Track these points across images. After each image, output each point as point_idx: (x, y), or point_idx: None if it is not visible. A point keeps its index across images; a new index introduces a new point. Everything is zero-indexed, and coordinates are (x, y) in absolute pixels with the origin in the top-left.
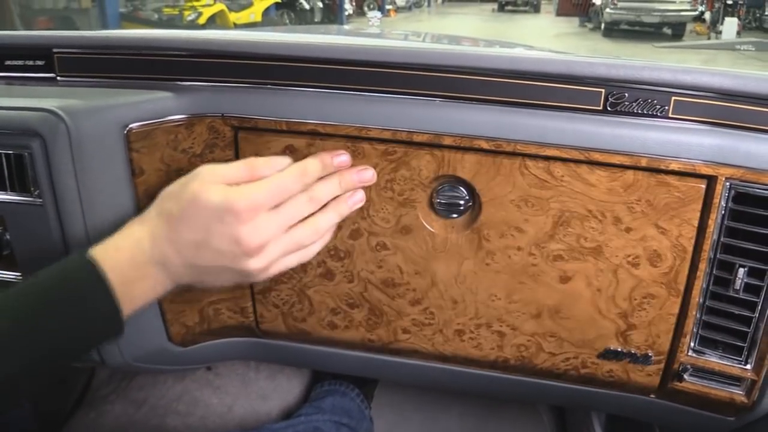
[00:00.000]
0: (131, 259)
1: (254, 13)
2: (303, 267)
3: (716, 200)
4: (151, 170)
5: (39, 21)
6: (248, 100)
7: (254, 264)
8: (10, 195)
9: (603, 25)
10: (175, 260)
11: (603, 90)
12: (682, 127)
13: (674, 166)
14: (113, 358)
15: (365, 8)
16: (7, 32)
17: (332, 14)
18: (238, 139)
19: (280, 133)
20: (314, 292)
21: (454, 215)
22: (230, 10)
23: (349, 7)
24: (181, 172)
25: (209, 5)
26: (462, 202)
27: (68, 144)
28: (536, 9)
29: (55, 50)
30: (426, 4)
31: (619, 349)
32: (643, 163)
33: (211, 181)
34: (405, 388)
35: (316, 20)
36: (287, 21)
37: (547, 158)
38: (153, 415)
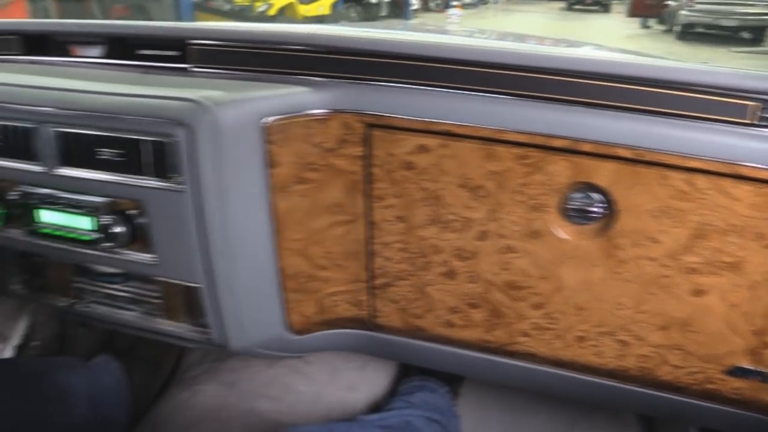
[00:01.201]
0: None
1: (323, 6)
2: (425, 265)
3: None
4: (285, 162)
5: (116, 9)
6: (383, 98)
7: None
8: (153, 180)
9: (679, 28)
10: None
11: (753, 103)
12: None
13: None
14: (238, 342)
15: (431, 4)
16: (141, 22)
17: (398, 9)
18: (371, 136)
19: (413, 132)
20: (435, 290)
21: (586, 222)
22: (300, 2)
23: (415, 2)
24: (312, 165)
25: None
26: (595, 209)
27: (212, 134)
28: (606, 8)
29: (189, 42)
30: (492, 0)
31: (750, 368)
32: None
33: None
34: (491, 387)
35: (381, 14)
36: (353, 15)
37: (689, 170)
38: (244, 398)
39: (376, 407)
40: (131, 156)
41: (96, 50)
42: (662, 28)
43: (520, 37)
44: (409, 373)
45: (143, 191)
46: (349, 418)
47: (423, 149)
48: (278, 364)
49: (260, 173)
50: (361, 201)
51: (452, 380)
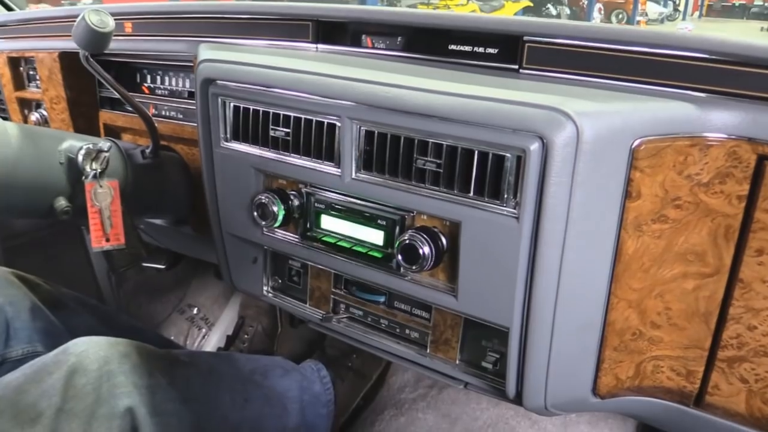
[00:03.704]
0: None
1: (504, 15)
2: None
3: None
4: (648, 195)
5: None
6: None
7: None
8: (479, 200)
9: None
10: None
11: None
12: None
13: None
14: (533, 400)
15: (613, 18)
16: (462, 15)
17: (578, 21)
18: (764, 172)
19: None
20: None
21: None
22: (481, 11)
23: (597, 16)
24: (677, 201)
25: (462, 5)
26: None
27: (573, 152)
28: None
29: (526, 38)
30: (680, 17)
31: None
32: None
33: None
34: None
35: None
36: None
37: None
38: None
39: None
40: (455, 168)
41: (394, 41)
42: None
43: None
44: None
45: (463, 211)
46: None
47: None
48: (503, 404)
49: (615, 205)
50: (729, 252)
51: None
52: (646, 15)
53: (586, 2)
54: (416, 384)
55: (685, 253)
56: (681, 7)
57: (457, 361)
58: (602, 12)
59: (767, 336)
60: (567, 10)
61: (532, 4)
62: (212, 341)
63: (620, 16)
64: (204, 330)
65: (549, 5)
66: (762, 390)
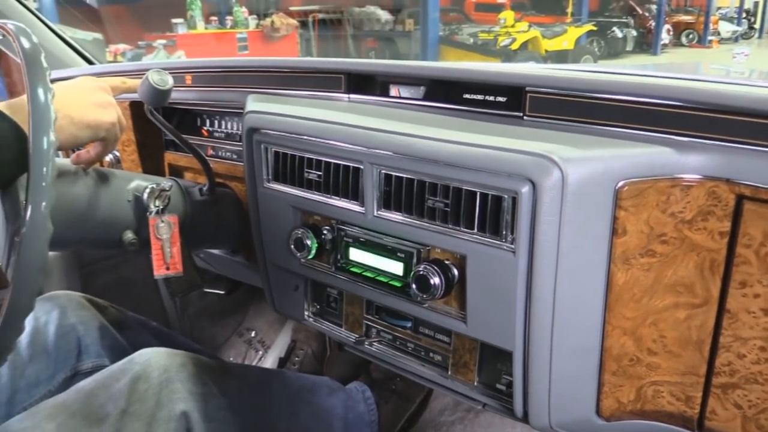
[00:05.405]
0: None
1: (567, 41)
2: None
3: None
4: (634, 231)
5: (368, 42)
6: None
7: None
8: (481, 236)
9: None
10: None
11: None
12: None
13: None
14: (539, 419)
15: (683, 38)
16: (471, 65)
17: (646, 44)
18: (742, 210)
19: None
20: None
21: None
22: (543, 37)
23: (665, 37)
24: (663, 237)
25: (524, 32)
26: None
27: (560, 193)
28: None
29: (528, 88)
30: (756, 35)
31: None
32: None
33: None
34: None
35: (627, 49)
36: (596, 49)
37: None
38: None
39: None
40: (461, 207)
41: (417, 91)
42: None
43: None
44: None
45: (468, 245)
46: None
47: None
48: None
49: (603, 241)
50: (715, 284)
51: None
52: (719, 34)
53: (653, 23)
54: (455, 407)
55: (674, 284)
56: (756, 25)
57: (475, 383)
58: (671, 33)
59: (756, 364)
60: (633, 32)
61: (596, 28)
62: (267, 363)
63: (690, 36)
64: (260, 352)
65: (614, 28)
66: (756, 416)
